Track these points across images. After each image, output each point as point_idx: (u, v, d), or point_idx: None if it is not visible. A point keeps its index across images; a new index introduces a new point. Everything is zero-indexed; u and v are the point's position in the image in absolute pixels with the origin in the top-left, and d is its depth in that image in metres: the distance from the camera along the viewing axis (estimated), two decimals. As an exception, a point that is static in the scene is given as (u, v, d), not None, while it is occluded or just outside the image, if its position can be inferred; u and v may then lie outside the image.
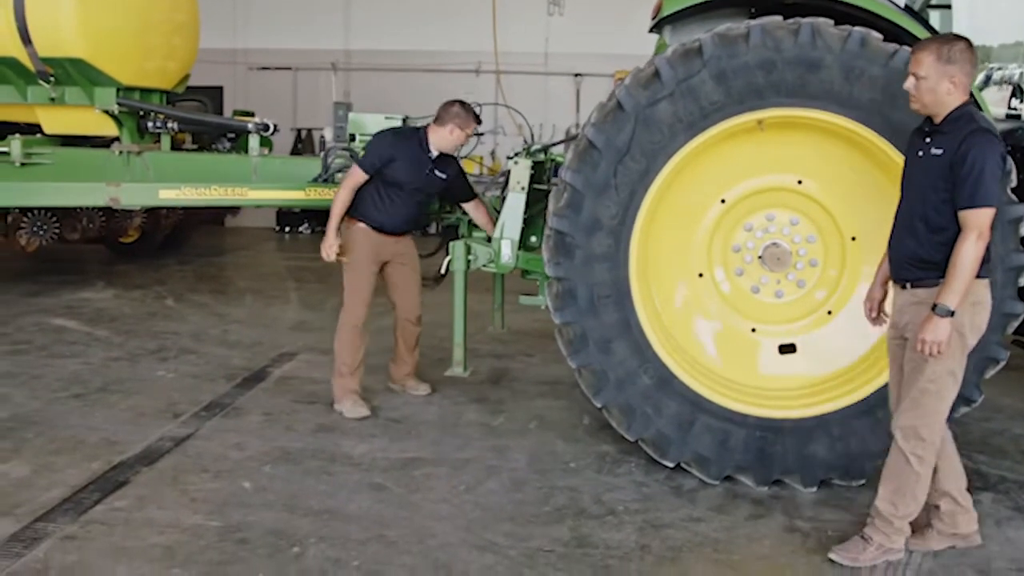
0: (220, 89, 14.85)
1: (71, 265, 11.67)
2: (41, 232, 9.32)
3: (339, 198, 6.05)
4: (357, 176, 6.03)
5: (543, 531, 4.44)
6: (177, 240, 12.81)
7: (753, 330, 5.27)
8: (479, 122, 6.18)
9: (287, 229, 15.70)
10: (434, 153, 6.11)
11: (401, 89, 14.13)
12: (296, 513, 4.57)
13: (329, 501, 4.73)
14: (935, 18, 6.23)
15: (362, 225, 6.11)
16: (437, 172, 6.15)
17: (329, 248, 6.03)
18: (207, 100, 8.49)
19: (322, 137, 14.06)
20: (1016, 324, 4.87)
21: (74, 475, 4.98)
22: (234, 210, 12.97)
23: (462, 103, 6.12)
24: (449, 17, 14.83)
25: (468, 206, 6.51)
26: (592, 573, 4.06)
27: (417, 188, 6.12)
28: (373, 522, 4.49)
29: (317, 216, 15.36)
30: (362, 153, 6.24)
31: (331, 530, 4.39)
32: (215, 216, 13.48)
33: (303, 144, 15.18)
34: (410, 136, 6.16)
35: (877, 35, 4.74)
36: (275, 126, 7.45)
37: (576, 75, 15.32)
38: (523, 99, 14.48)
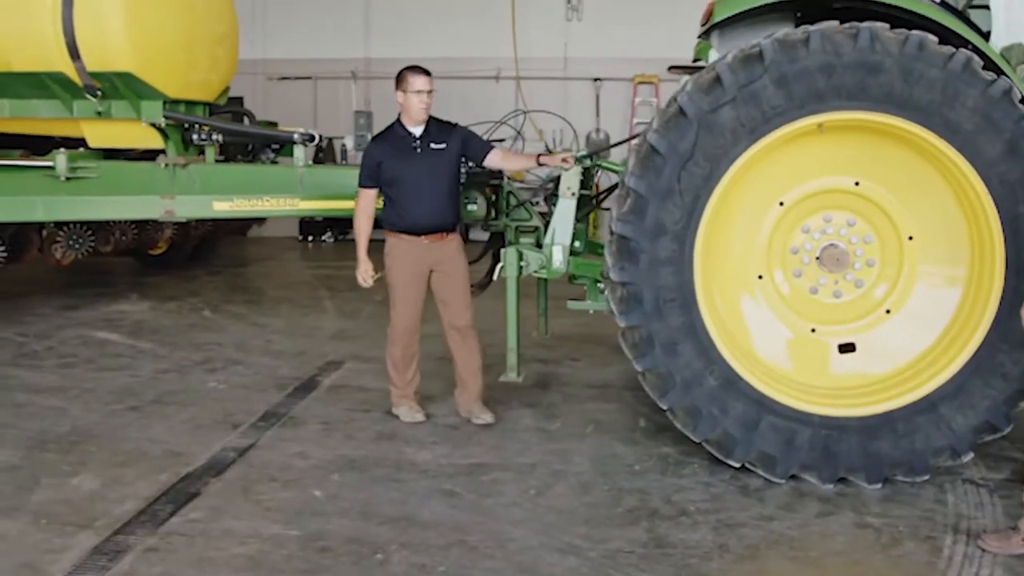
0: (241, 99, 14.87)
1: (102, 278, 11.75)
2: (77, 246, 9.40)
3: (356, 224, 5.99)
4: (362, 196, 5.97)
5: (619, 533, 4.50)
6: (204, 251, 12.87)
7: (813, 330, 5.33)
8: (426, 73, 5.82)
9: (310, 238, 15.77)
10: (415, 131, 5.86)
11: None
12: (372, 521, 4.64)
13: (403, 508, 4.79)
14: (974, 18, 6.28)
15: (396, 235, 5.93)
16: (432, 146, 5.85)
17: (364, 274, 5.98)
18: (251, 112, 8.52)
19: (343, 146, 14.14)
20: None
21: (144, 487, 5.04)
22: (260, 220, 13.03)
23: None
24: (468, 24, 14.89)
25: (492, 159, 6.04)
26: (675, 572, 4.11)
27: (419, 172, 5.81)
28: (451, 528, 4.54)
29: (340, 224, 15.46)
30: None
31: (410, 536, 4.45)
32: (240, 227, 13.54)
33: (324, 153, 15.22)
34: (387, 131, 5.98)
35: (933, 38, 4.80)
36: (321, 136, 7.51)
37: (595, 80, 15.36)
38: (543, 104, 14.52)
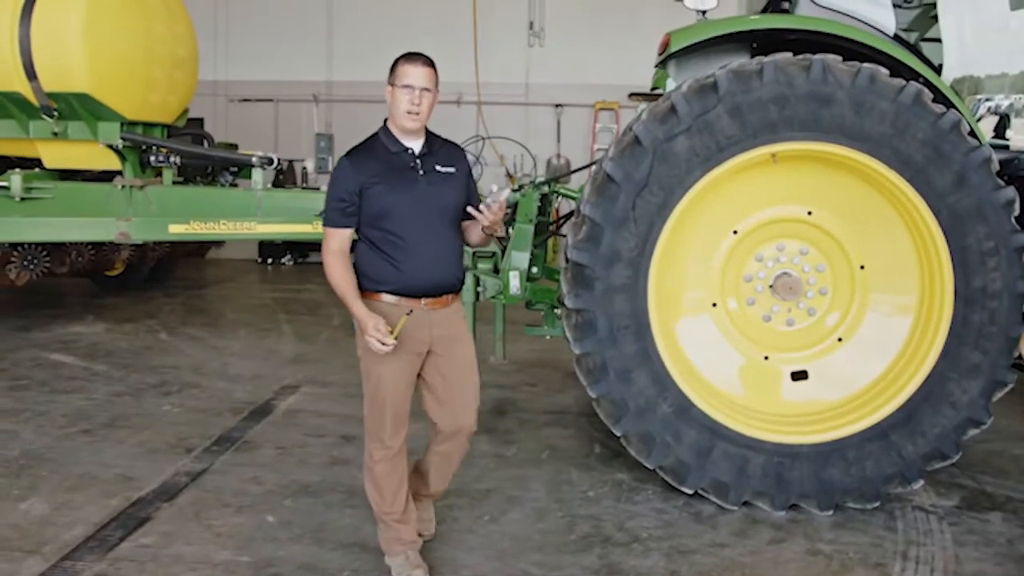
0: (201, 121, 14.85)
1: (57, 299, 11.62)
2: (32, 266, 9.29)
3: (333, 273, 4.03)
4: (333, 239, 4.08)
5: (573, 559, 4.50)
6: (161, 273, 12.77)
7: (766, 358, 5.38)
8: (427, 63, 4.07)
9: (269, 261, 15.67)
10: (412, 146, 4.11)
11: (382, 120, 14.15)
12: (325, 547, 4.61)
13: (356, 534, 4.76)
14: (927, 51, 6.41)
15: (378, 298, 4.08)
16: (439, 168, 4.12)
17: (373, 330, 3.87)
18: (209, 134, 8.50)
19: (304, 168, 14.16)
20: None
21: (94, 512, 4.98)
22: (218, 242, 12.97)
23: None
24: (430, 48, 14.62)
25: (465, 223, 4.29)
26: (627, 600, 4.13)
27: (423, 204, 4.06)
28: (404, 554, 4.52)
29: (299, 247, 15.40)
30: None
31: (363, 563, 4.42)
32: (198, 248, 13.47)
33: (284, 176, 15.18)
34: (371, 144, 4.16)
35: (884, 71, 4.89)
36: (279, 160, 7.50)
37: (556, 105, 15.46)
38: (504, 130, 14.70)
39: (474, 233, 4.27)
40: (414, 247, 4.03)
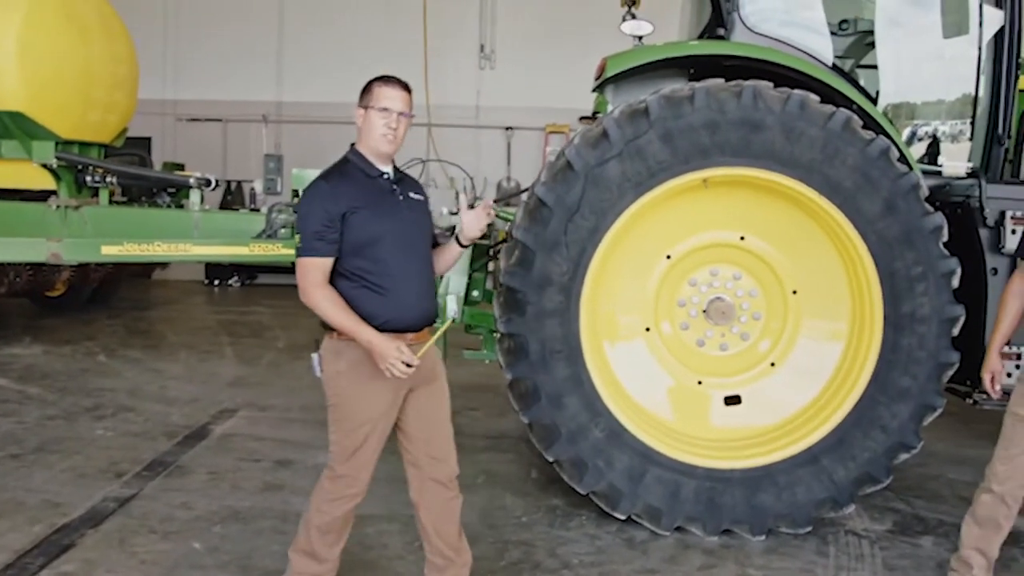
0: (148, 140, 14.72)
1: (-5, 320, 11.43)
2: (-33, 287, 9.15)
3: (325, 305, 3.68)
4: (315, 271, 3.70)
5: (501, 586, 4.47)
6: (105, 294, 12.60)
7: (699, 383, 5.38)
8: (403, 87, 3.89)
9: (216, 282, 15.54)
10: (385, 170, 3.89)
11: (332, 141, 14.04)
12: (251, 574, 4.53)
13: (284, 561, 4.63)
14: (863, 77, 6.47)
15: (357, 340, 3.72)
16: (412, 195, 3.93)
17: (397, 352, 3.61)
18: (145, 154, 8.42)
19: (252, 189, 14.08)
20: (951, 373, 5.04)
21: (16, 539, 4.86)
22: (163, 263, 12.84)
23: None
24: (381, 69, 14.75)
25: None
26: (553, 628, 4.08)
27: (407, 231, 3.84)
28: (330, 582, 4.45)
29: (247, 269, 15.27)
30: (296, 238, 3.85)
31: (288, 591, 4.35)
32: (143, 269, 13.32)
33: (233, 196, 15.07)
34: (344, 167, 3.87)
35: (815, 97, 4.93)
36: (217, 181, 7.43)
37: (507, 128, 15.52)
38: (454, 152, 14.64)
39: (447, 258, 4.11)
40: (402, 276, 3.78)
